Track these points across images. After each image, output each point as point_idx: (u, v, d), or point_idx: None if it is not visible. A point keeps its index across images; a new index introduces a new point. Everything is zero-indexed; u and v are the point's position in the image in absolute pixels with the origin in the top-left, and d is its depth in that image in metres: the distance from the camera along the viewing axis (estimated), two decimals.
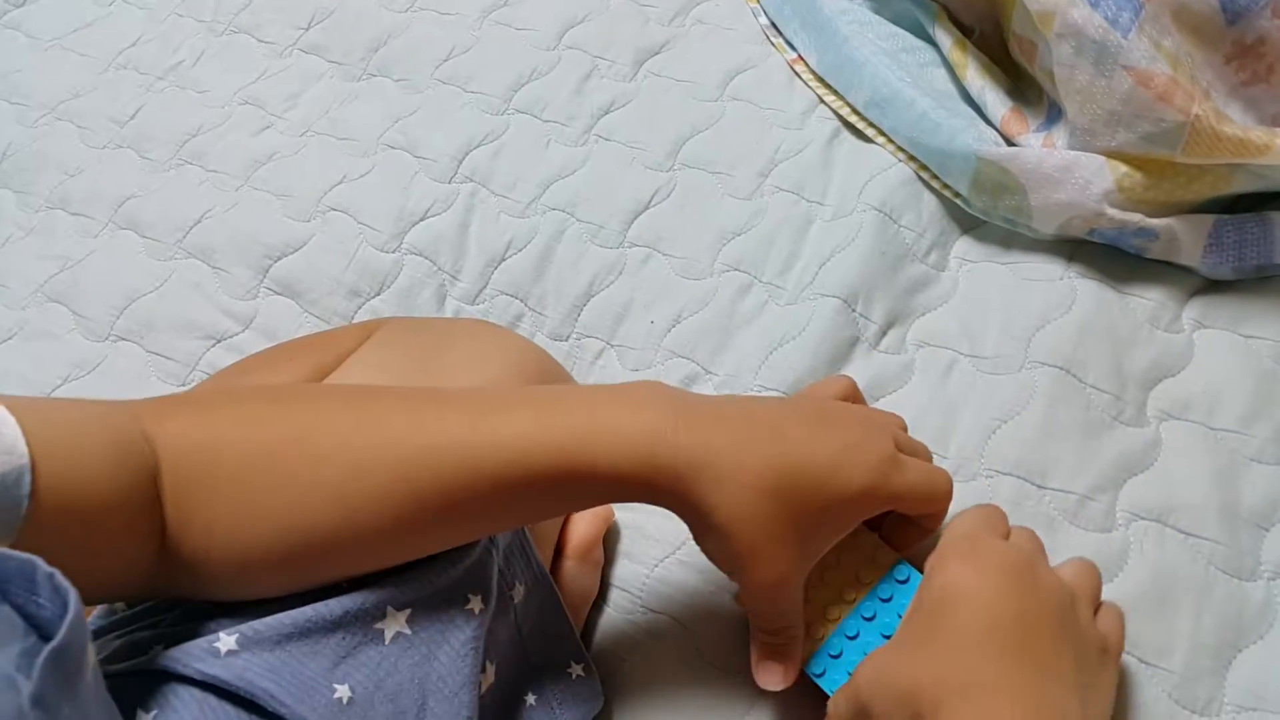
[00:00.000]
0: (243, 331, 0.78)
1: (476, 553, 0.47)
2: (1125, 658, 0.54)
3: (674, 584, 0.61)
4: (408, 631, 0.44)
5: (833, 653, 0.51)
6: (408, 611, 0.44)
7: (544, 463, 0.44)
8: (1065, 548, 0.58)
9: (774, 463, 0.46)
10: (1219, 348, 0.65)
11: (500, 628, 0.50)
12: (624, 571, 0.62)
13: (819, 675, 0.51)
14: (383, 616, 0.44)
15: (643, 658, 0.59)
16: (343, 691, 0.42)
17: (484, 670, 0.48)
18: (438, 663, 0.44)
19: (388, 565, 0.45)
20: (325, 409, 0.45)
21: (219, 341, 0.77)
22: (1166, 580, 0.56)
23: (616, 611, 0.61)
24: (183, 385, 0.75)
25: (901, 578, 0.52)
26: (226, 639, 0.41)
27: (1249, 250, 0.66)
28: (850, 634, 0.51)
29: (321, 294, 0.78)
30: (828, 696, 0.49)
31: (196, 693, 0.40)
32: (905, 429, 0.54)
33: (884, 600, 0.52)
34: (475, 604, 0.46)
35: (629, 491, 0.46)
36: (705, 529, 0.47)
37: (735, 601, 0.59)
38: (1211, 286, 0.68)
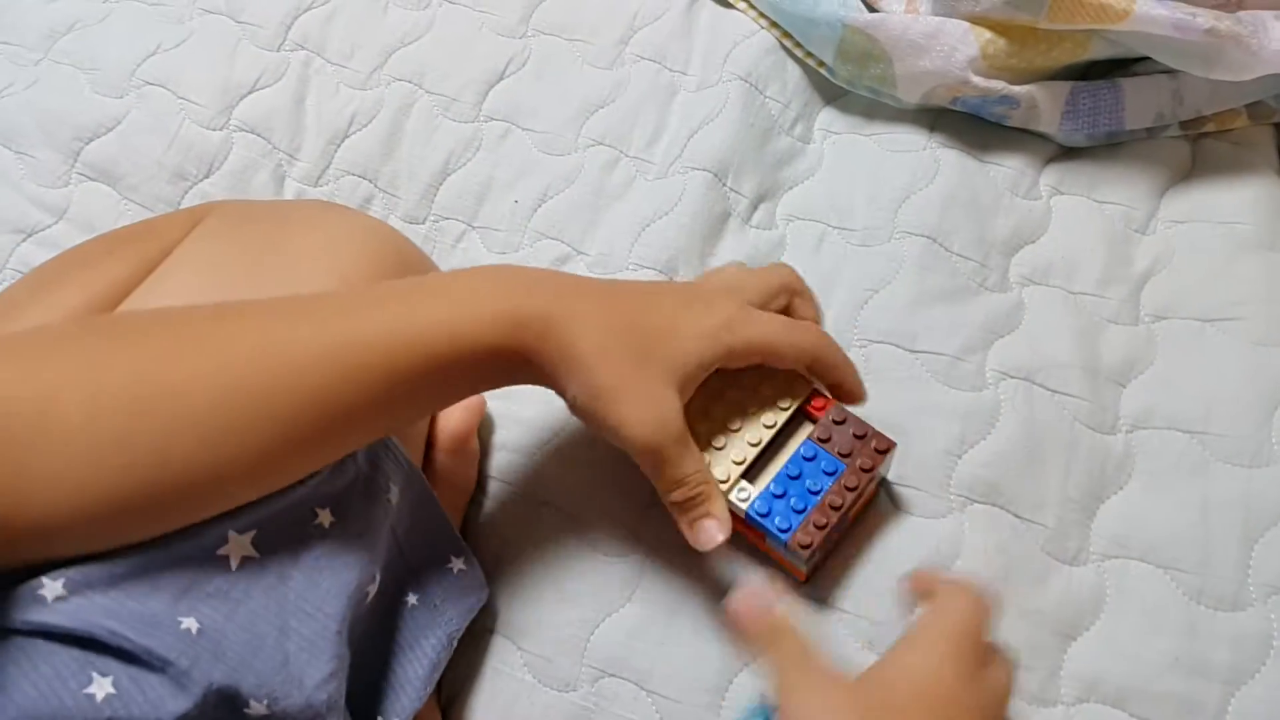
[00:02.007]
0: (56, 224, 0.70)
1: (323, 469, 0.44)
2: (1001, 513, 0.56)
3: (553, 472, 0.59)
4: (255, 555, 0.41)
5: (777, 492, 0.51)
6: (251, 534, 0.41)
7: (413, 355, 0.42)
8: (939, 407, 0.59)
9: (623, 307, 0.47)
10: (1075, 213, 0.67)
11: (382, 533, 0.47)
12: (501, 462, 0.60)
13: (765, 516, 0.51)
14: (224, 542, 0.40)
15: (526, 547, 0.57)
16: (189, 624, 0.38)
17: (373, 580, 0.45)
18: (293, 584, 0.42)
19: (257, 497, 0.41)
20: (164, 346, 0.40)
21: (29, 236, 0.69)
22: (1037, 436, 0.58)
23: (496, 504, 0.59)
24: None
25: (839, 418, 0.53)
26: (52, 584, 0.37)
27: (1102, 117, 0.67)
28: (793, 474, 0.52)
29: (142, 178, 0.71)
30: (780, 540, 0.50)
31: (21, 640, 0.36)
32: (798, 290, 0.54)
33: (823, 440, 0.52)
34: (324, 518, 0.44)
35: (498, 368, 0.46)
36: (573, 379, 0.46)
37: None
38: (1066, 153, 0.69)
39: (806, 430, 0.53)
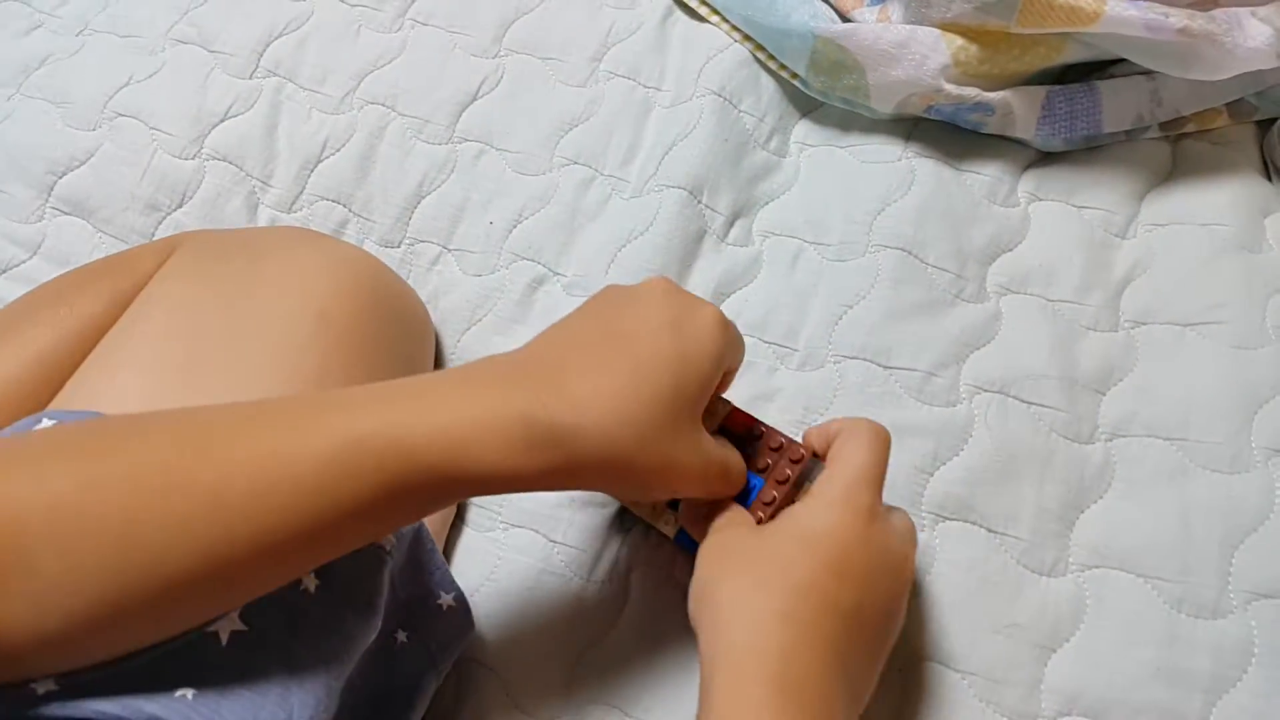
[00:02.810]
0: (30, 259, 0.70)
1: None
2: (973, 529, 0.56)
3: (534, 497, 0.59)
4: (243, 628, 0.40)
5: None
6: (237, 609, 0.40)
7: (421, 477, 0.40)
8: (911, 424, 0.59)
9: (636, 381, 0.44)
10: (1053, 219, 0.66)
11: (380, 581, 0.46)
12: None
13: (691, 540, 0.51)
14: (212, 620, 0.39)
15: (506, 574, 0.57)
16: (184, 692, 0.38)
17: (375, 631, 0.45)
18: (291, 652, 0.41)
19: (239, 606, 0.40)
20: (142, 471, 0.37)
21: (3, 272, 0.69)
22: (1011, 449, 0.58)
23: (476, 531, 0.59)
24: None
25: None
26: (44, 681, 0.36)
27: (1079, 121, 0.67)
28: None
29: (115, 210, 0.70)
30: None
31: None
32: None
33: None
34: (309, 583, 0.42)
35: (521, 484, 0.42)
36: (621, 486, 0.46)
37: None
38: (1044, 159, 0.69)
39: None
